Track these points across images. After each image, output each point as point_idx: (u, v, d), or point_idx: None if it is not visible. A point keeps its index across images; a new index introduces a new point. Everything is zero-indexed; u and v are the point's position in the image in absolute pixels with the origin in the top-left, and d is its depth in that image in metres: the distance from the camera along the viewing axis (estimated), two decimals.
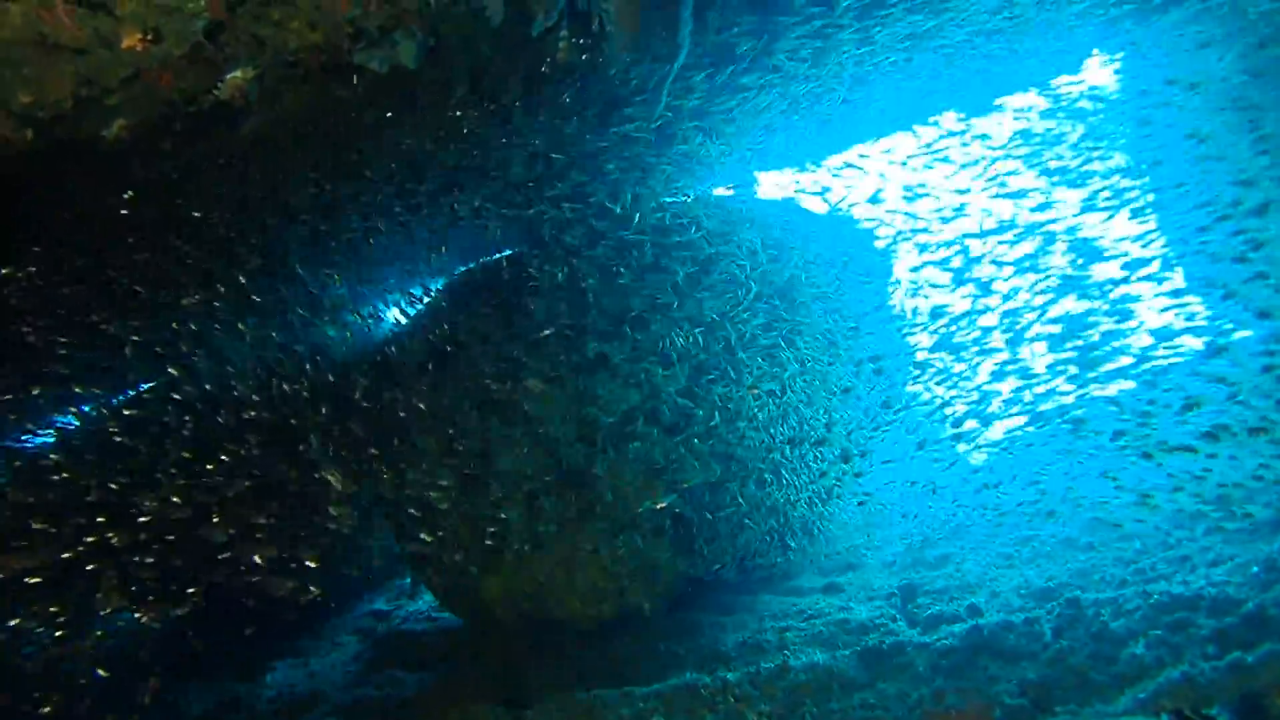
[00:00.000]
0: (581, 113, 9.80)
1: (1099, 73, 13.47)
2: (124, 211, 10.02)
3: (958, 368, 13.00)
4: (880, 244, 13.30)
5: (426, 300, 12.29)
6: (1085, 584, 9.02)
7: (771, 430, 11.00)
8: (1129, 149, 13.50)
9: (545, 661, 9.87)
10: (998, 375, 12.28)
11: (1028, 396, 12.42)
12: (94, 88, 7.08)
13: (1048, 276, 12.86)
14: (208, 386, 11.83)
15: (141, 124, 8.26)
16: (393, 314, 13.87)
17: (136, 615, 10.88)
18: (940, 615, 9.26)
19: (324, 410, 11.84)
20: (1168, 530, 9.62)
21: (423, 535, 10.76)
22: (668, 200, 11.76)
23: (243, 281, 11.14)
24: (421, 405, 10.90)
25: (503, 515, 10.32)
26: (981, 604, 9.20)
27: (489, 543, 10.39)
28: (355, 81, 9.01)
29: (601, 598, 10.22)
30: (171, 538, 10.82)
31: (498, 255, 12.42)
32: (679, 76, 9.29)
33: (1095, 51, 13.09)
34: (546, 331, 10.32)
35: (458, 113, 9.53)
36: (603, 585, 10.22)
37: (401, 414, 10.98)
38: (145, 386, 12.33)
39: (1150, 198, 13.09)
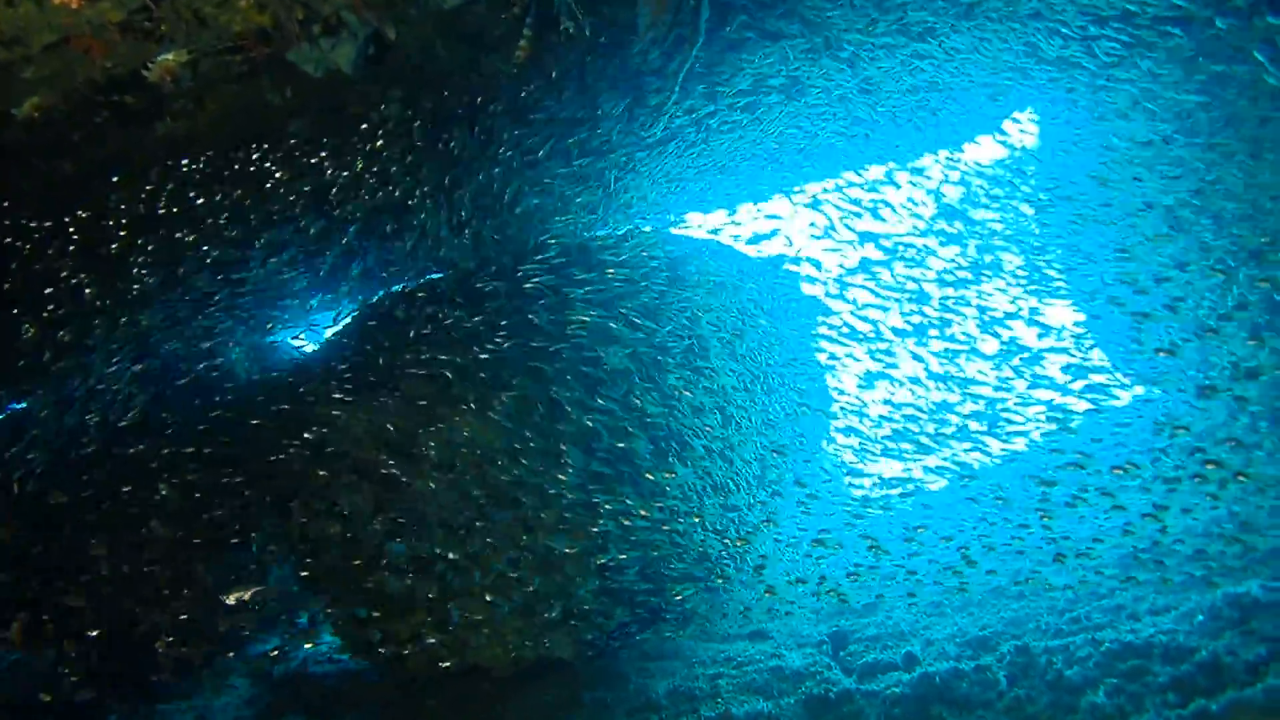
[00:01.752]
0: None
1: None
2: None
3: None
4: (808, 289, 13.22)
5: (336, 328, 11.56)
6: (1021, 633, 8.87)
7: (697, 469, 10.64)
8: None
9: (463, 712, 9.15)
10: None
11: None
12: (13, 50, 6.29)
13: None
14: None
15: (57, 105, 7.51)
16: (297, 341, 13.13)
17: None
18: (876, 664, 8.98)
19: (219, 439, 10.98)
20: (1098, 580, 9.58)
21: (327, 571, 9.94)
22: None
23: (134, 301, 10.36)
24: (332, 431, 10.13)
25: (419, 553, 9.59)
26: (918, 652, 8.96)
27: (403, 582, 9.63)
28: (286, 87, 8.45)
29: (522, 643, 9.56)
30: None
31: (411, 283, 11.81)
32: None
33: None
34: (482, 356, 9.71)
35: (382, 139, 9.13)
36: (524, 630, 9.57)
37: (307, 440, 10.19)
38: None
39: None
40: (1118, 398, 13.54)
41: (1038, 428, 13.38)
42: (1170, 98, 10.47)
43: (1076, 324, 13.59)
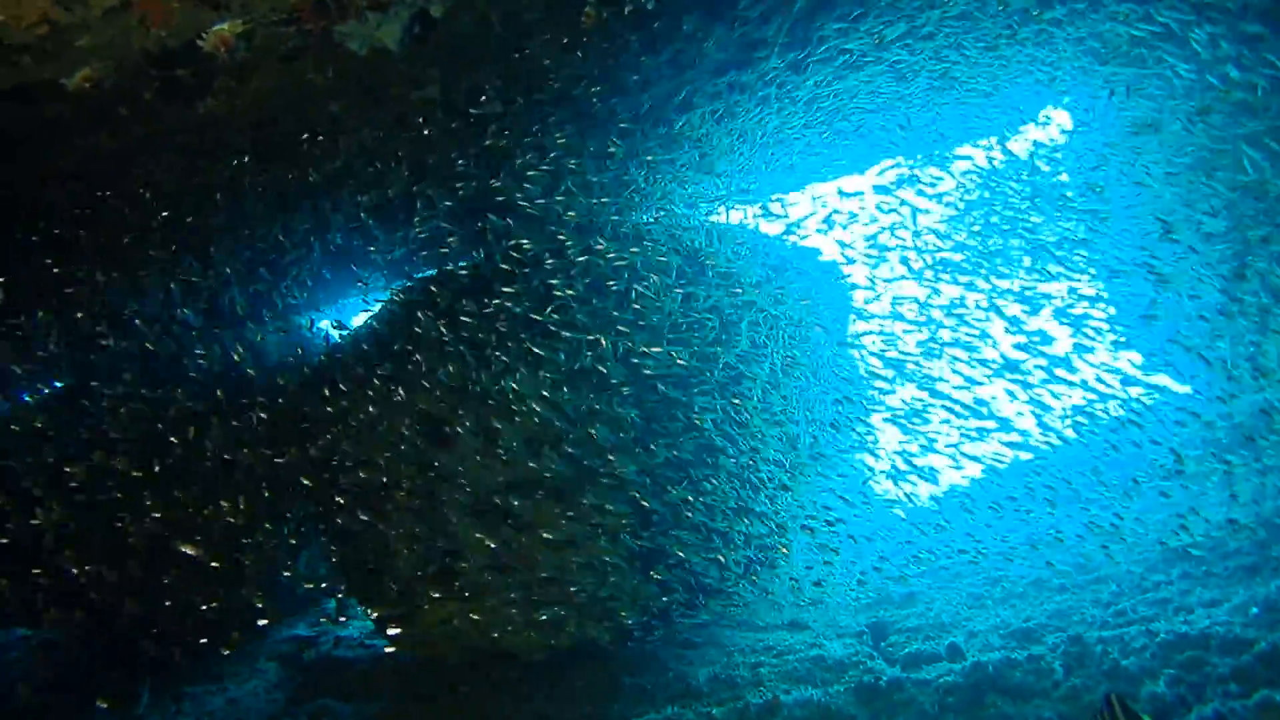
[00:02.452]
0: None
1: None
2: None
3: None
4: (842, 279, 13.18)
5: (373, 310, 11.47)
6: (1066, 625, 8.82)
7: (738, 460, 10.57)
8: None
9: (498, 697, 9.09)
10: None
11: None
12: (74, 12, 6.20)
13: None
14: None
15: (109, 76, 7.41)
16: (325, 324, 13.07)
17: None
18: (919, 654, 8.93)
19: (251, 417, 10.90)
20: (1142, 573, 9.54)
21: (362, 556, 9.88)
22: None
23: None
24: (365, 415, 10.04)
25: (453, 537, 9.53)
26: (961, 643, 8.90)
27: (436, 567, 9.57)
28: (329, 67, 8.37)
29: (559, 628, 9.51)
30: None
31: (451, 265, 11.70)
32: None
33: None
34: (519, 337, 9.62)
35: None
36: (560, 615, 9.51)
37: (341, 426, 10.11)
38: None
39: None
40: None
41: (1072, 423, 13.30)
42: None
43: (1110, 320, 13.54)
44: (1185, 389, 13.25)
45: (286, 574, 11.15)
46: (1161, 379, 13.10)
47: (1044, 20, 9.62)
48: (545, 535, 9.35)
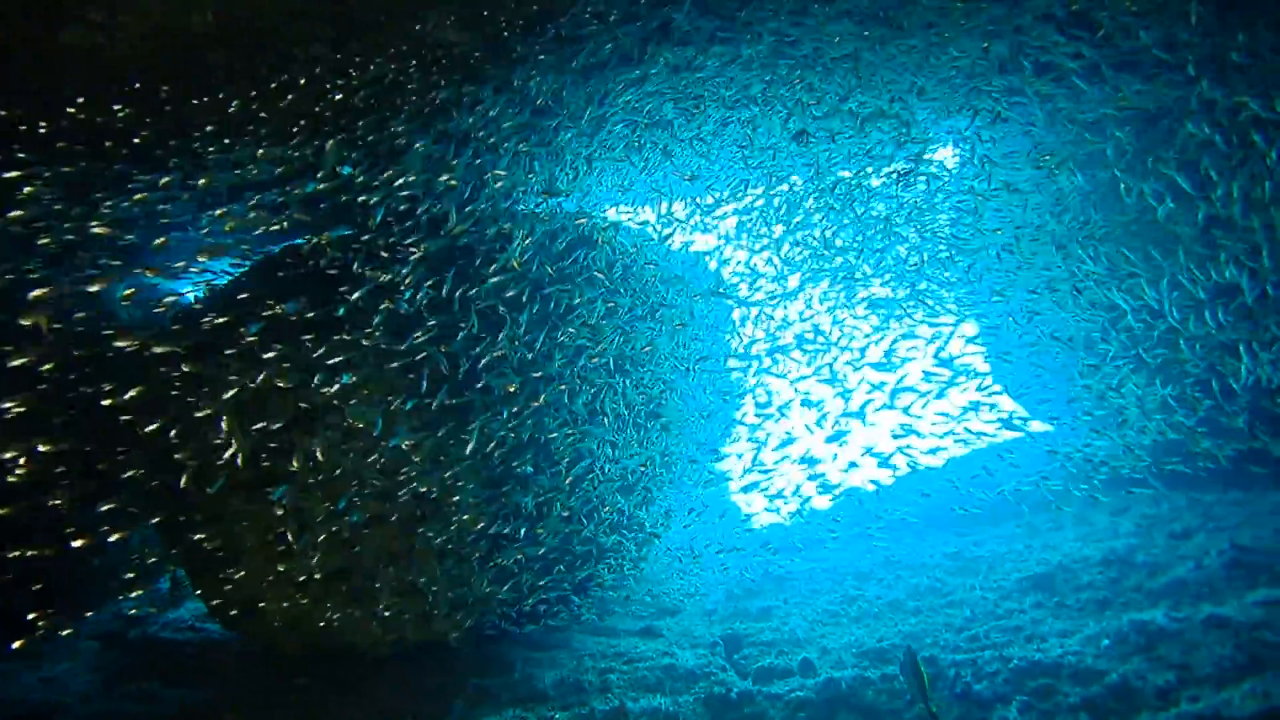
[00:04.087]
0: None
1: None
2: None
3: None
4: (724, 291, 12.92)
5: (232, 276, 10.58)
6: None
7: (601, 467, 10.14)
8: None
9: (336, 691, 8.41)
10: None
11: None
12: None
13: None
14: None
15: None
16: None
17: None
18: (772, 668, 8.67)
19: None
20: (996, 600, 9.53)
21: (199, 536, 9.00)
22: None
23: None
24: (219, 385, 9.15)
25: (299, 522, 8.77)
26: (814, 659, 8.69)
27: (279, 550, 8.78)
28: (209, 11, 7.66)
29: (404, 623, 8.87)
30: None
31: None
32: None
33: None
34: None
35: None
36: (407, 609, 8.87)
37: (191, 392, 9.18)
38: None
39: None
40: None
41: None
42: None
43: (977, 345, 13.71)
44: (1048, 427, 13.50)
45: (115, 549, 10.11)
46: (1027, 416, 13.30)
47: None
48: (394, 527, 8.71)
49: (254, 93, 8.48)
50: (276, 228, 11.14)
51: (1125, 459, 11.07)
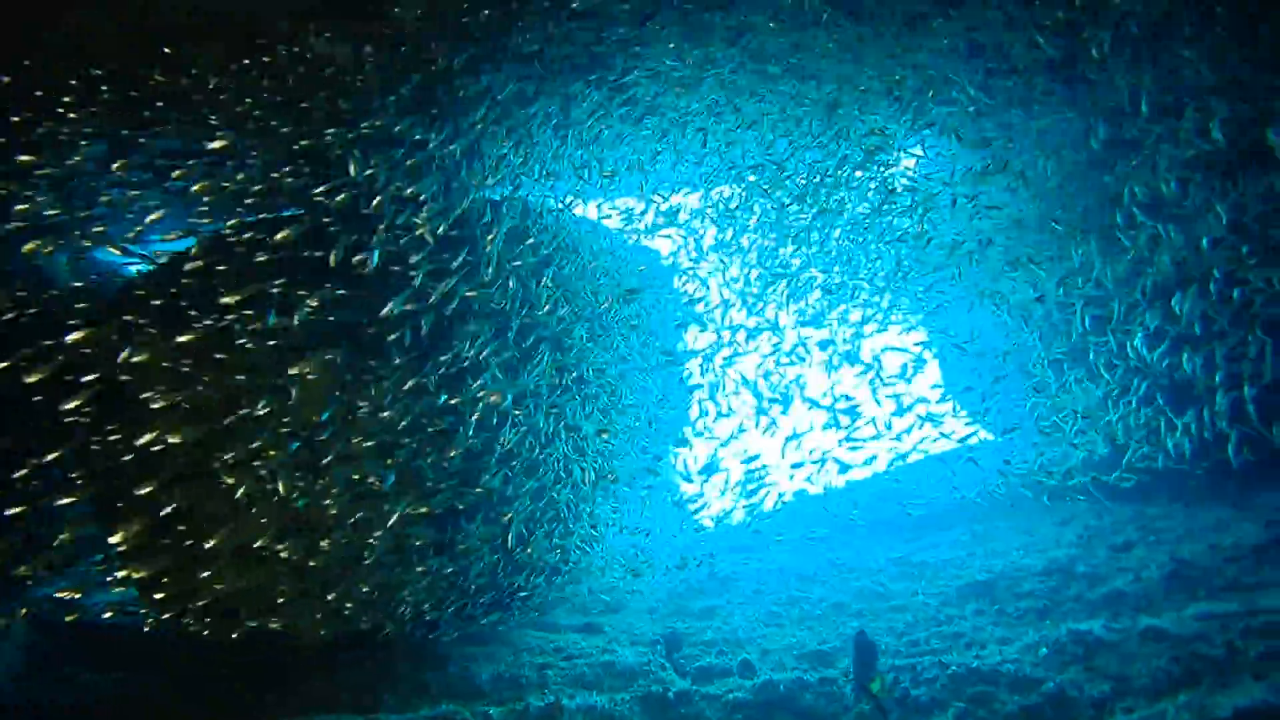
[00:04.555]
0: None
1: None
2: None
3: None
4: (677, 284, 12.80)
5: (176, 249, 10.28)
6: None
7: (545, 462, 9.98)
8: None
9: (267, 680, 8.18)
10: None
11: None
12: None
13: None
14: None
15: None
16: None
17: None
18: (711, 668, 8.58)
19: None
20: (937, 606, 9.52)
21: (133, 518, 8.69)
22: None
23: None
24: (154, 360, 8.85)
25: (234, 504, 8.51)
26: (754, 661, 8.61)
27: (213, 536, 8.50)
28: None
29: (337, 612, 8.64)
30: None
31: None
32: None
33: None
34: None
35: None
36: (340, 598, 8.64)
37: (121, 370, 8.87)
38: None
39: None
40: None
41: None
42: None
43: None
44: (992, 437, 13.56)
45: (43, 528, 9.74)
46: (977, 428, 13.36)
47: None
48: (333, 513, 8.49)
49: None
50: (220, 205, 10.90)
51: (1072, 470, 11.12)
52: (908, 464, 12.74)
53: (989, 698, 7.14)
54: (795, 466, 11.65)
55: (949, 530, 11.54)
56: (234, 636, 8.43)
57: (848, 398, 12.04)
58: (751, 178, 12.08)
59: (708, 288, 12.60)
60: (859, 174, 11.70)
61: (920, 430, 11.98)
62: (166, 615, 8.55)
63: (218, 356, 8.74)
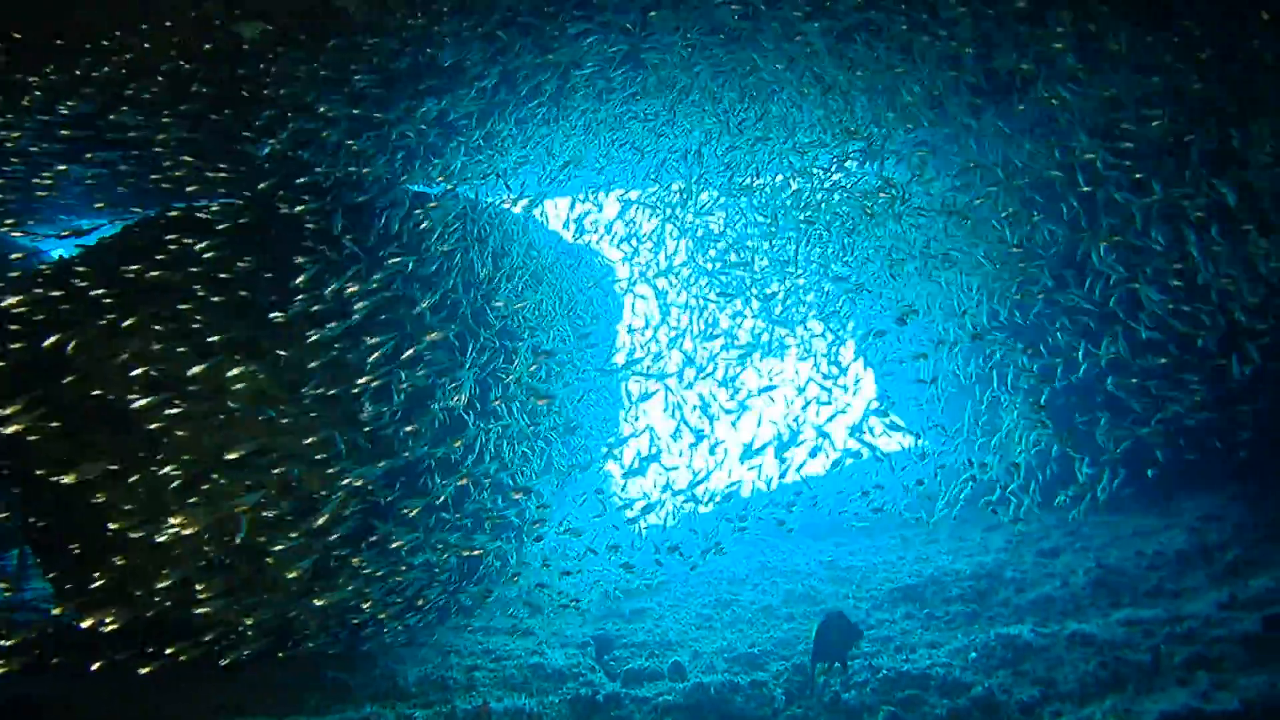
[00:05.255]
0: None
1: None
2: None
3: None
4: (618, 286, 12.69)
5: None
6: (790, 654, 8.60)
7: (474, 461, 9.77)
8: None
9: (185, 682, 7.80)
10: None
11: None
12: None
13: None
14: None
15: None
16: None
17: None
18: (641, 671, 8.44)
19: None
20: (867, 610, 9.51)
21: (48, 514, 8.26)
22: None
23: None
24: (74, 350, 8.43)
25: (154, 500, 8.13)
26: (685, 663, 8.50)
27: (131, 532, 8.08)
28: None
29: (256, 611, 8.29)
30: None
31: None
32: None
33: None
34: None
35: None
36: (262, 597, 8.30)
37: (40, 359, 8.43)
38: None
39: None
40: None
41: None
42: None
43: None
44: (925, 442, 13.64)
45: None
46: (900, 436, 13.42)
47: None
48: (256, 509, 8.16)
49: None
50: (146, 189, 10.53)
51: (1000, 476, 11.23)
52: (838, 470, 12.75)
53: (919, 701, 7.11)
54: (720, 471, 11.61)
55: (877, 535, 11.57)
56: (149, 637, 8.03)
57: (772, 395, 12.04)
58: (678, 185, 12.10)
59: (653, 287, 12.50)
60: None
61: (850, 437, 12.03)
62: (81, 614, 8.11)
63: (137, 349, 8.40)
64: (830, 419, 11.28)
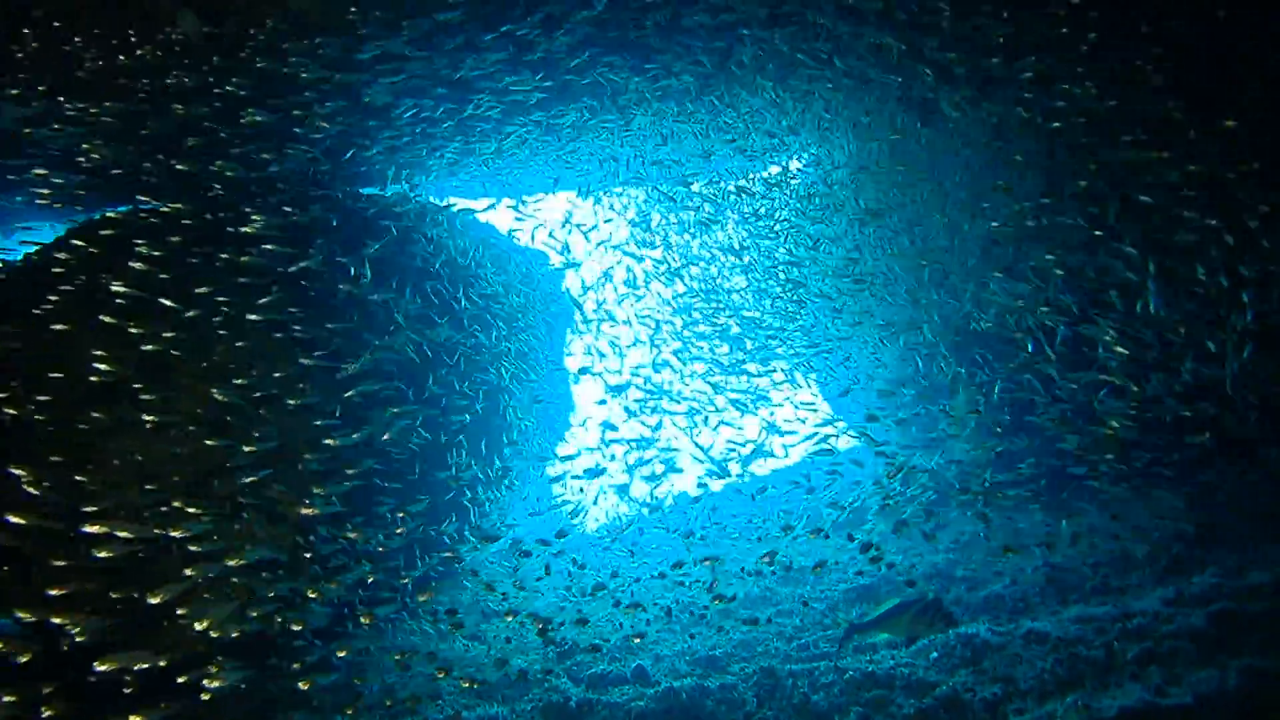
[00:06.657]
0: None
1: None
2: None
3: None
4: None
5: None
6: (750, 655, 8.73)
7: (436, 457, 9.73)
8: None
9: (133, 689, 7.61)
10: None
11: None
12: None
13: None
14: None
15: None
16: None
17: None
18: (605, 675, 8.48)
19: None
20: (824, 610, 9.68)
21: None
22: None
23: None
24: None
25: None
26: (648, 667, 8.56)
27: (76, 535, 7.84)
28: None
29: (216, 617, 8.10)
30: None
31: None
32: None
33: None
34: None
35: None
36: (221, 604, 8.12)
37: None
38: None
39: None
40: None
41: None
42: None
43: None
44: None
45: None
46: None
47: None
48: (206, 519, 7.99)
49: None
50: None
51: (948, 475, 11.53)
52: (788, 468, 12.94)
53: (886, 701, 7.27)
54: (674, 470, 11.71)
55: (831, 535, 11.75)
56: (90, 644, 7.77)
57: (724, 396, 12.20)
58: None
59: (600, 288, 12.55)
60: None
61: (801, 438, 12.25)
62: (29, 622, 7.83)
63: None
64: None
